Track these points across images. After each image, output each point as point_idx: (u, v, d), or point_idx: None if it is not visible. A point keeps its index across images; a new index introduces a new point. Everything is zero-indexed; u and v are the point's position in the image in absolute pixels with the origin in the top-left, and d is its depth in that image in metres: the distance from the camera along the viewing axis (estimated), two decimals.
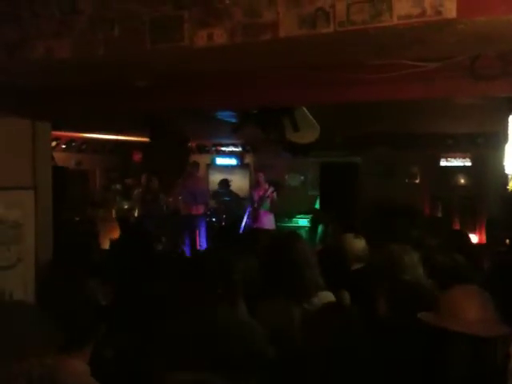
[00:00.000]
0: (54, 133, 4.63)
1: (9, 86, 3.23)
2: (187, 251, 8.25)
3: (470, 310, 2.00)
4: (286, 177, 10.90)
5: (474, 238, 9.03)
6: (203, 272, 2.68)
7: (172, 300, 2.57)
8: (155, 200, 9.03)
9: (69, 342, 1.77)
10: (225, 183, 10.72)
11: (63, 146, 8.98)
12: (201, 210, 9.28)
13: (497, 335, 1.98)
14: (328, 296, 2.79)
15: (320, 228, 9.10)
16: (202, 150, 11.14)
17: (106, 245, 6.26)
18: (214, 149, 11.31)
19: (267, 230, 8.48)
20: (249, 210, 9.38)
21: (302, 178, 10.89)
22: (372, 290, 2.76)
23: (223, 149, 11.32)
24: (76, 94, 3.58)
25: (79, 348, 1.84)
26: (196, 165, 9.61)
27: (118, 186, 9.92)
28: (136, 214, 9.11)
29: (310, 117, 4.67)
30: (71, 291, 1.94)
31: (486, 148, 8.56)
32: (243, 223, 9.25)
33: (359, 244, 4.20)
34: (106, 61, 2.48)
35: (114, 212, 9.23)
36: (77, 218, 7.81)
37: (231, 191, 10.71)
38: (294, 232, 3.54)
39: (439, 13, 1.84)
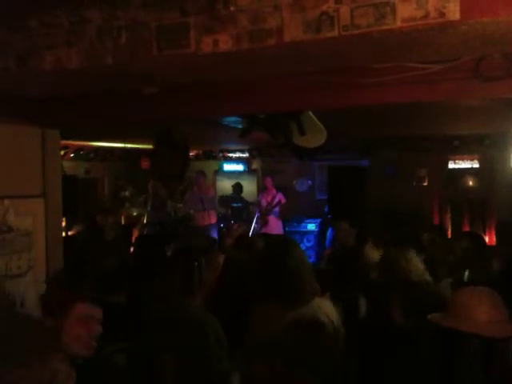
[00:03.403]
0: (62, 142, 4.66)
1: (18, 94, 3.27)
2: None
3: (481, 311, 2.00)
4: (294, 181, 10.90)
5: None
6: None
7: None
8: (163, 207, 9.06)
9: None
10: (238, 187, 10.72)
11: (72, 155, 9.03)
12: (213, 219, 9.28)
13: (508, 336, 1.98)
14: (323, 302, 2.76)
15: (329, 232, 9.08)
16: (209, 156, 11.16)
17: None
18: (221, 155, 11.33)
19: (272, 235, 8.49)
20: (257, 215, 9.40)
21: (310, 182, 10.90)
22: (385, 302, 2.77)
23: (230, 155, 11.34)
24: (85, 103, 3.61)
25: None
26: (202, 173, 9.61)
27: (127, 193, 9.96)
28: (145, 221, 9.16)
29: (317, 121, 4.66)
30: None
31: (493, 149, 8.53)
32: (252, 228, 9.26)
33: (377, 254, 4.24)
34: (115, 69, 2.51)
35: (123, 219, 9.27)
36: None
37: (241, 197, 10.73)
38: (290, 239, 3.56)
39: (443, 15, 1.85)
